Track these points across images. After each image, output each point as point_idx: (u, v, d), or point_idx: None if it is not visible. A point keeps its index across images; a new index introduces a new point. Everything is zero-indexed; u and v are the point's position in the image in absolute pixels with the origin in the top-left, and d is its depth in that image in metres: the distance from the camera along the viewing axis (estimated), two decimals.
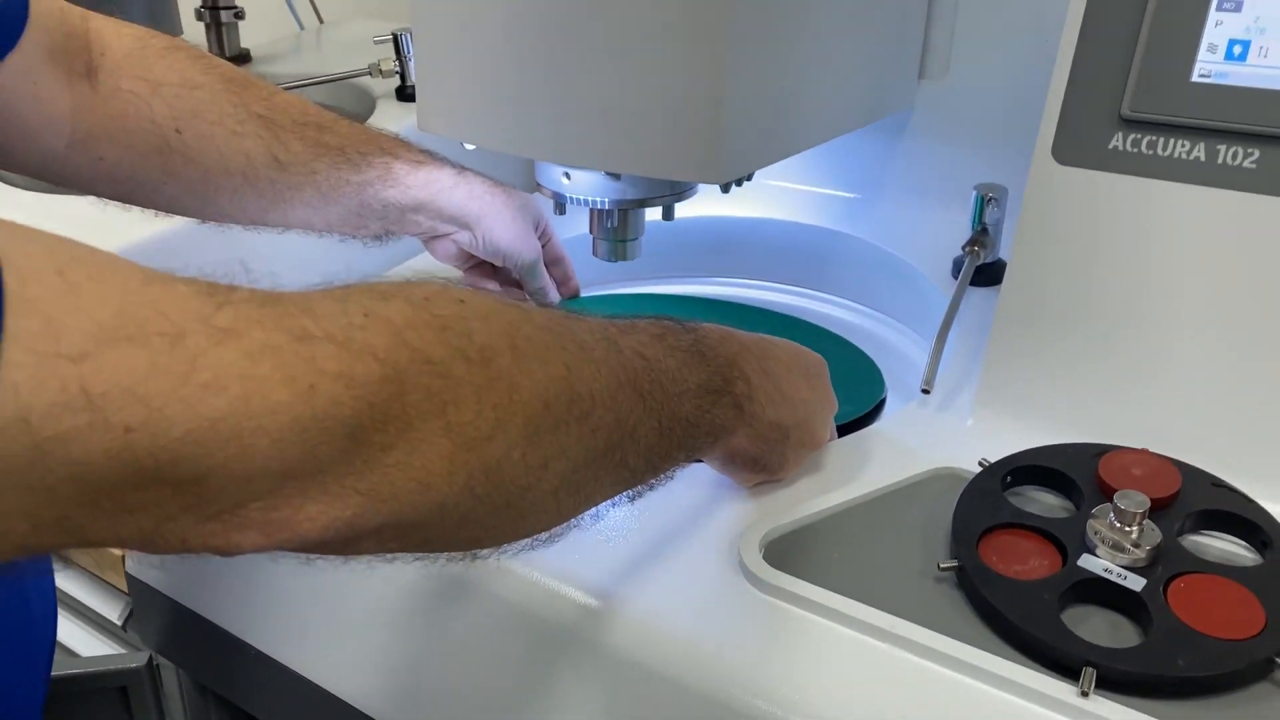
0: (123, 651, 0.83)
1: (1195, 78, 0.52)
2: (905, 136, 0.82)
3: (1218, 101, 0.51)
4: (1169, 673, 0.41)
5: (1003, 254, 0.74)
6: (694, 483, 0.55)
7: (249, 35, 1.19)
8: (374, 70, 0.99)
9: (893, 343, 0.80)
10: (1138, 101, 0.53)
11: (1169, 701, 0.41)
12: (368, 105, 1.02)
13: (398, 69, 0.99)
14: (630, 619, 0.48)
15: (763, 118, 0.61)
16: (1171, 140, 0.53)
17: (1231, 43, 0.51)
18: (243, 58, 1.16)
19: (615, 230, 0.72)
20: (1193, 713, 0.41)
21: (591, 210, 0.70)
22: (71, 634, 0.85)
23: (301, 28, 1.31)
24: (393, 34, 0.99)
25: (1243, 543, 0.49)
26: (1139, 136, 0.53)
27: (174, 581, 0.67)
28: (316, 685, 0.61)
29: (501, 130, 0.64)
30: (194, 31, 1.10)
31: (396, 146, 0.68)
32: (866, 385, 0.71)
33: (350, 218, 0.67)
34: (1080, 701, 0.41)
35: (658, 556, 0.51)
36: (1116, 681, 0.42)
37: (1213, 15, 0.51)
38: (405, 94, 1.00)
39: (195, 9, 1.13)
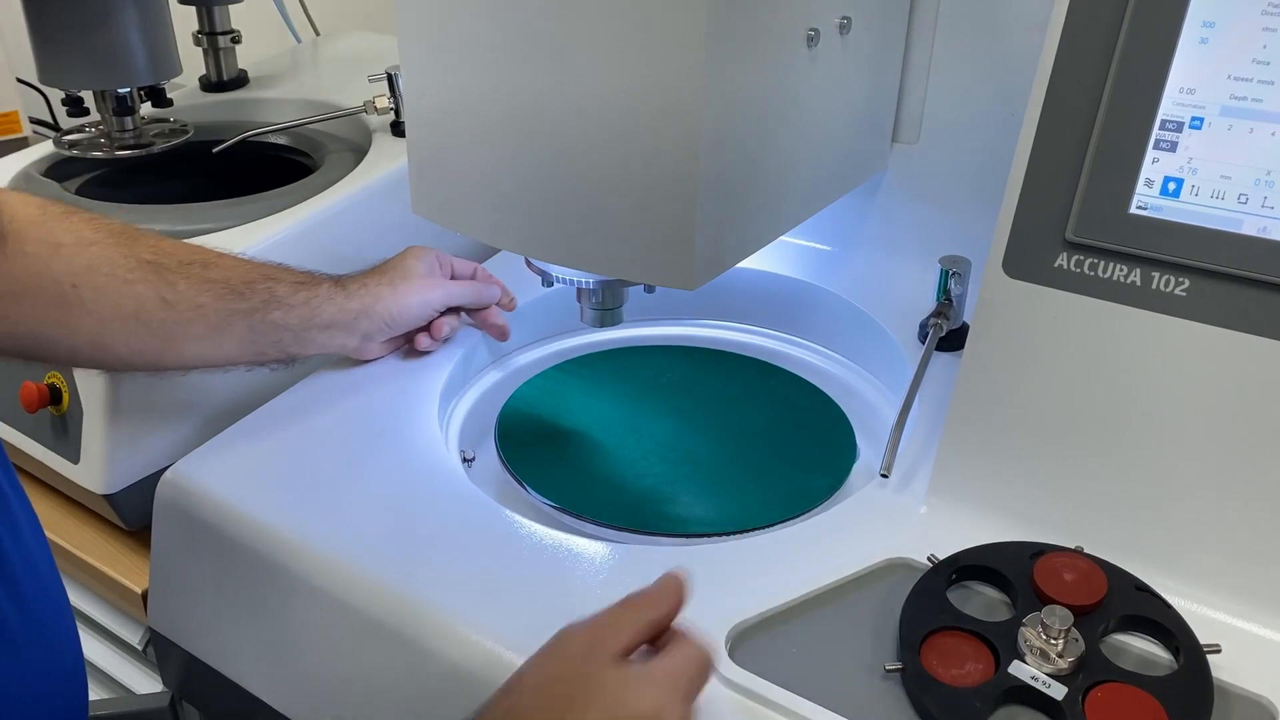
0: (144, 672, 0.90)
1: (1133, 209, 0.56)
2: (879, 196, 0.86)
3: (1153, 233, 0.55)
4: None
5: (966, 318, 0.79)
6: (675, 565, 0.61)
7: (246, 48, 1.21)
8: (369, 107, 1.02)
9: (860, 390, 0.85)
10: (1080, 227, 0.57)
11: None
12: (365, 137, 1.05)
13: (392, 105, 1.02)
14: None
15: (737, 219, 0.65)
16: (1111, 264, 0.57)
17: (1167, 179, 0.55)
18: (240, 80, 1.19)
19: (600, 303, 0.76)
20: None
21: (578, 287, 0.74)
22: (100, 655, 0.91)
23: (299, 41, 1.33)
24: (387, 73, 1.01)
25: (1159, 643, 0.54)
26: (1081, 258, 0.57)
27: (189, 635, 0.73)
28: None
29: (488, 225, 0.68)
30: (192, 56, 1.12)
31: (279, 272, 0.73)
32: (840, 451, 0.76)
33: (245, 346, 0.71)
34: None
35: None
36: None
37: (1150, 152, 0.55)
38: (400, 129, 1.03)
39: (193, 34, 1.15)
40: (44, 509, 0.88)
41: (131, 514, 0.83)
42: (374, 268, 0.78)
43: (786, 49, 0.64)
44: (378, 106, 1.02)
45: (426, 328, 0.80)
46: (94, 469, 0.81)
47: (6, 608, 0.52)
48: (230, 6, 1.17)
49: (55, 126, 1.59)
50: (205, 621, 0.71)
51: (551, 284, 0.75)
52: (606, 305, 0.76)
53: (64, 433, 0.83)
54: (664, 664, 0.46)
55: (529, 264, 0.75)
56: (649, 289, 0.76)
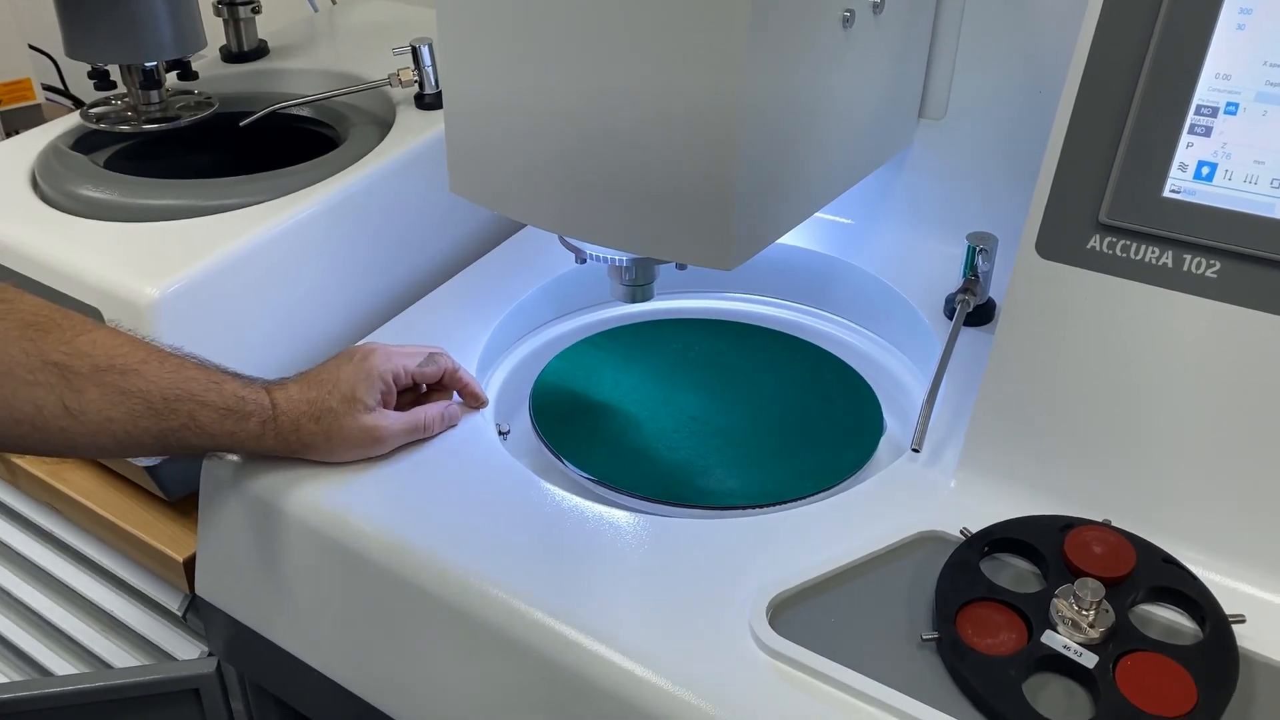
0: (183, 637, 0.92)
1: (1166, 193, 0.57)
2: (904, 171, 0.87)
3: (1185, 216, 0.56)
4: None
5: (992, 294, 0.80)
6: (712, 537, 0.63)
7: (264, 15, 1.20)
8: (393, 80, 1.02)
9: (884, 363, 0.86)
10: (1114, 210, 0.58)
11: None
12: (388, 110, 1.05)
13: (416, 78, 1.02)
14: (652, 680, 0.56)
15: (773, 198, 0.66)
16: (1143, 246, 0.58)
17: (1201, 163, 0.56)
18: (260, 50, 1.19)
19: (633, 279, 0.77)
20: None
21: (611, 263, 0.75)
22: (139, 621, 0.93)
23: (315, 9, 1.33)
24: (411, 46, 1.02)
25: (1185, 614, 0.56)
26: (1114, 240, 0.59)
27: (236, 603, 0.75)
28: (351, 693, 0.69)
29: (526, 204, 0.69)
30: (213, 26, 1.12)
31: (207, 390, 0.65)
32: (867, 423, 0.78)
33: (156, 452, 0.68)
34: None
35: (677, 613, 0.59)
36: None
37: (1185, 137, 0.56)
38: (424, 102, 1.03)
39: (214, 4, 1.15)
40: (87, 481, 0.90)
41: (172, 485, 0.85)
42: (322, 379, 0.69)
43: (823, 29, 0.65)
44: (403, 79, 1.03)
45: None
46: None
47: None
48: None
49: (67, 93, 1.60)
50: (252, 589, 0.73)
51: (584, 260, 0.77)
52: (638, 281, 0.78)
53: None
54: None
55: (562, 240, 0.76)
56: (680, 265, 0.78)
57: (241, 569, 0.73)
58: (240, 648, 0.77)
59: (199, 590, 0.77)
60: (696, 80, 0.59)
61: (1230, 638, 0.54)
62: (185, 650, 0.91)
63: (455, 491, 0.67)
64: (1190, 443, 0.59)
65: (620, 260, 0.74)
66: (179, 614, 0.91)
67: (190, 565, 0.82)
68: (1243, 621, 0.55)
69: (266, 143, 1.06)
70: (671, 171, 0.62)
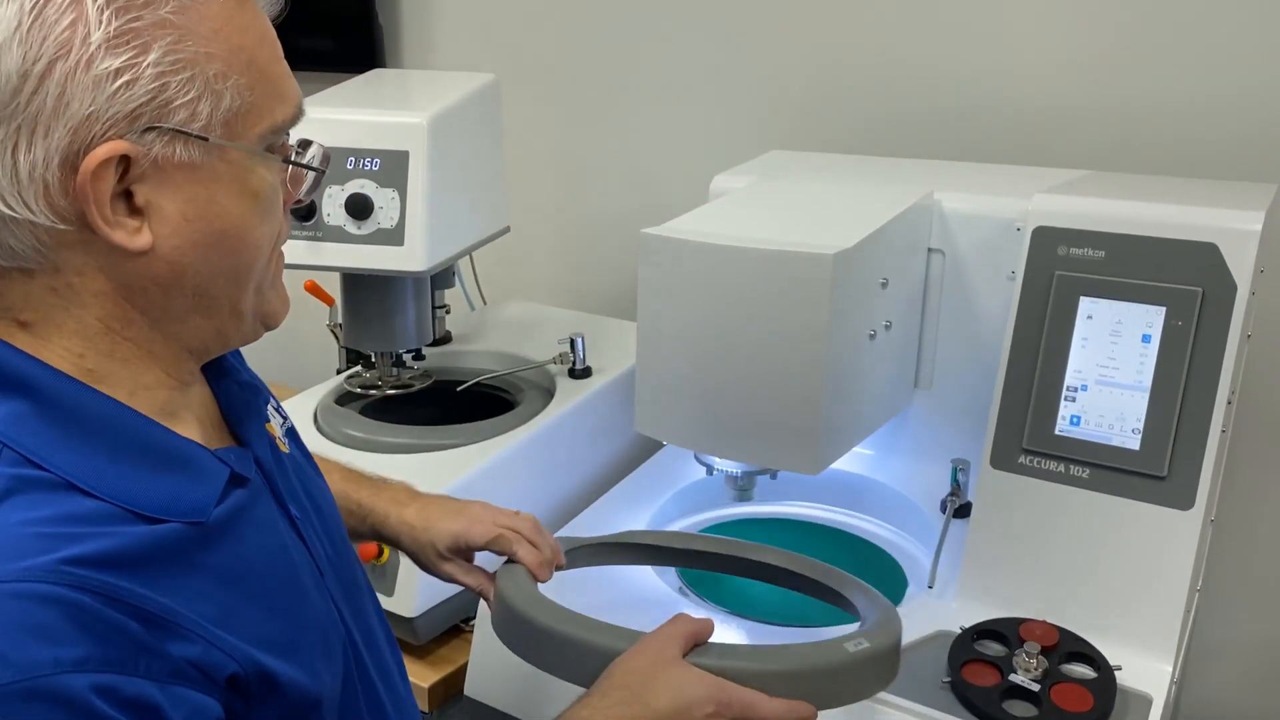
0: None
1: (1056, 432, 1.04)
2: (907, 421, 1.35)
3: (1068, 445, 1.04)
4: None
5: (969, 496, 1.26)
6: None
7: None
8: (557, 360, 1.52)
9: (903, 546, 1.31)
10: (1030, 441, 1.05)
11: None
12: (548, 381, 1.54)
13: (572, 359, 1.52)
14: None
15: (836, 433, 1.13)
16: (1047, 461, 1.05)
17: (1072, 416, 1.04)
18: (446, 338, 1.69)
19: (741, 484, 1.23)
20: None
21: (728, 474, 1.21)
22: None
23: (473, 308, 1.86)
24: (570, 338, 1.52)
25: (1088, 666, 0.99)
26: (1032, 458, 1.06)
27: (507, 698, 1.14)
28: None
29: (687, 436, 1.16)
30: None
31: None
32: (895, 582, 1.21)
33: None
34: None
35: None
36: None
37: (1063, 403, 1.04)
38: (574, 374, 1.52)
39: None
40: None
41: (424, 631, 1.26)
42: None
43: (858, 341, 1.14)
44: (562, 360, 1.52)
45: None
46: (407, 600, 1.24)
47: None
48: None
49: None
50: (521, 686, 1.13)
51: (712, 473, 1.23)
52: (745, 487, 1.24)
53: (382, 575, 1.27)
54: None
55: (697, 458, 1.23)
56: (773, 475, 1.24)
57: (509, 673, 1.13)
58: None
59: (469, 692, 1.16)
60: (798, 370, 1.07)
61: (1112, 677, 0.96)
62: None
63: (658, 602, 1.10)
64: (1085, 574, 1.03)
65: (735, 471, 1.20)
66: None
67: (433, 691, 1.22)
68: (1120, 669, 0.97)
69: (463, 402, 1.54)
70: (785, 417, 1.09)
